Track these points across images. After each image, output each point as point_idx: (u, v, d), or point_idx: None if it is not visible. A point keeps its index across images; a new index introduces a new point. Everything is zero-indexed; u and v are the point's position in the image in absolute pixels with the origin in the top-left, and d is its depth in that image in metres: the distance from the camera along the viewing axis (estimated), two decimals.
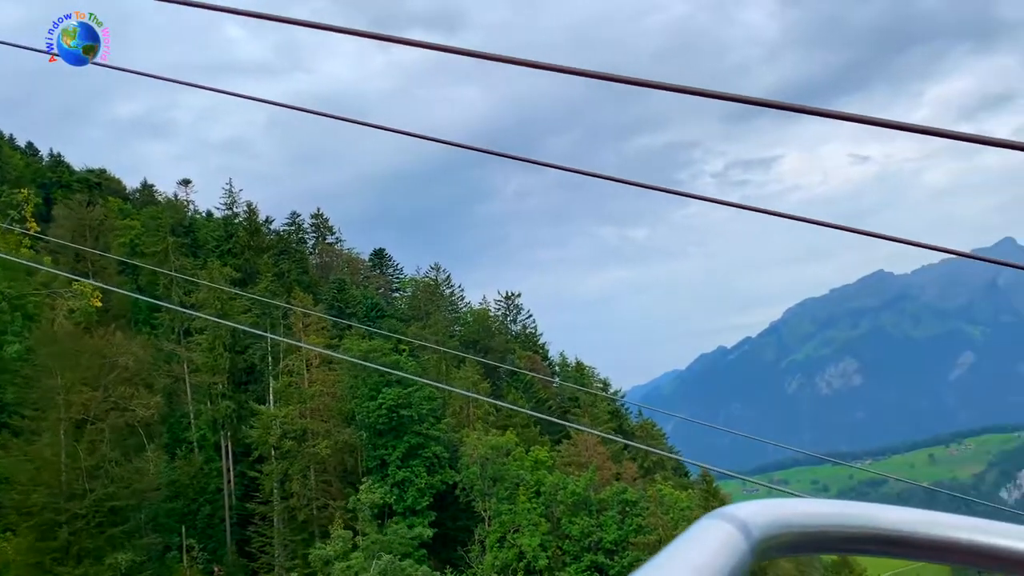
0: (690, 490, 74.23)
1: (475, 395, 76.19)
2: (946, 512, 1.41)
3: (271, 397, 79.96)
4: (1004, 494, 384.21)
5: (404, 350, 78.82)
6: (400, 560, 59.68)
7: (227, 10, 6.22)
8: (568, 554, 65.32)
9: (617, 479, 73.12)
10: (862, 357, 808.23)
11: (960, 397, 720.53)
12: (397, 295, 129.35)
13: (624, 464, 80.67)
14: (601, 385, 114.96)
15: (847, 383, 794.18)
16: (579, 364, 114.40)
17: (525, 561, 64.65)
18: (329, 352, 70.02)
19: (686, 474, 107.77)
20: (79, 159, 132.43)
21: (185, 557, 69.43)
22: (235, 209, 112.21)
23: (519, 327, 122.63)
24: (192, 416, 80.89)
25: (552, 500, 67.03)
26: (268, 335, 76.21)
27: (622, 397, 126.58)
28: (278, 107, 7.47)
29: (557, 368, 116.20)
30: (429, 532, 67.20)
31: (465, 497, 72.02)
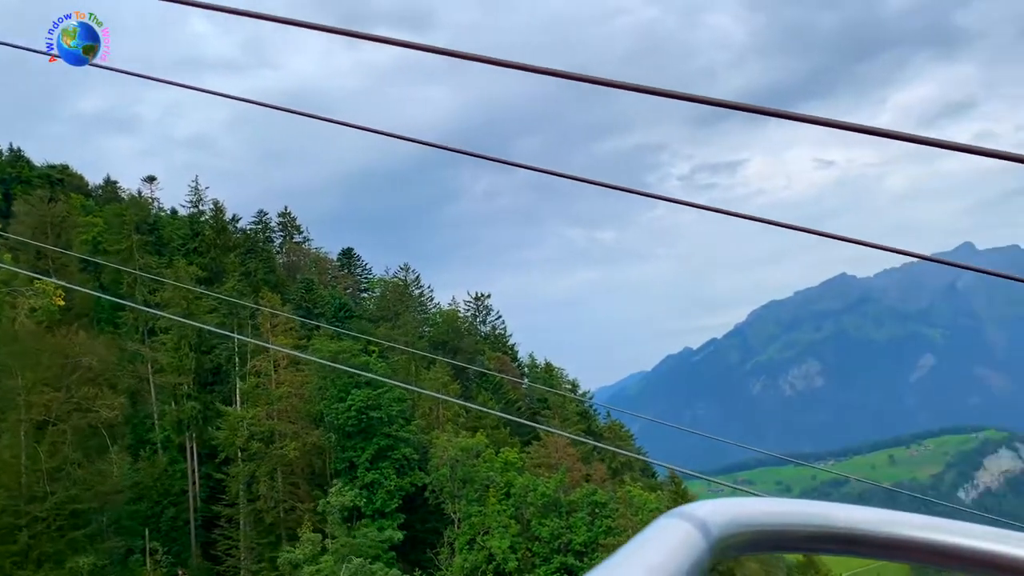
0: (659, 491, 74.64)
1: (445, 397, 75.87)
2: (904, 511, 1.42)
3: (238, 398, 78.96)
4: (962, 494, 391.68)
5: (374, 351, 78.27)
6: (370, 563, 59.18)
7: (198, 4, 6.02)
8: (538, 556, 65.25)
9: (587, 480, 73.26)
10: (825, 359, 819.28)
11: (920, 399, 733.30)
12: (365, 295, 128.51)
13: (594, 465, 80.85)
14: (570, 386, 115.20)
15: (810, 385, 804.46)
16: (548, 365, 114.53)
17: (495, 563, 64.50)
18: (298, 353, 69.35)
19: (653, 475, 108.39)
20: (40, 154, 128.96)
21: (148, 560, 68.32)
22: (201, 207, 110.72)
23: (488, 328, 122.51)
24: (156, 417, 79.61)
25: (522, 502, 66.94)
26: (235, 335, 75.26)
27: (590, 398, 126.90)
28: (278, 110, 7.25)
29: (526, 369, 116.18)
30: (399, 535, 66.75)
31: (434, 499, 71.70)
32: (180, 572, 70.20)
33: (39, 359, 62.89)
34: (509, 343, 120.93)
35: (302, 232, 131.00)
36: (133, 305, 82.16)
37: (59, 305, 76.91)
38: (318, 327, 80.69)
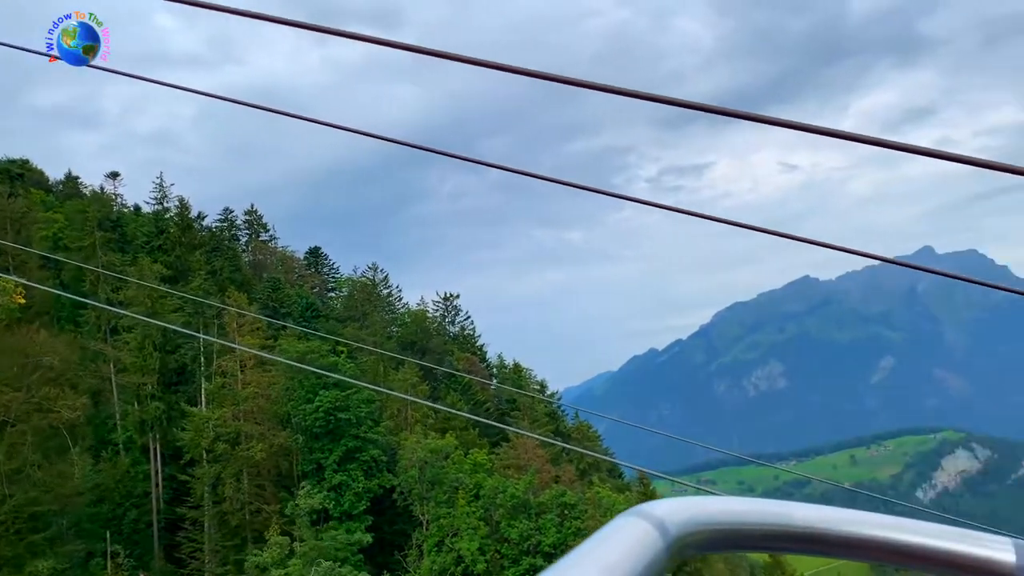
0: (627, 492, 74.86)
1: (414, 398, 75.46)
2: (863, 511, 1.42)
3: (203, 399, 77.85)
4: (920, 494, 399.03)
5: (342, 352, 77.60)
6: (340, 567, 58.63)
7: None
8: (507, 558, 65.09)
9: (556, 482, 73.25)
10: (787, 360, 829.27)
11: (880, 400, 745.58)
12: (333, 295, 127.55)
13: (563, 467, 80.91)
14: (538, 387, 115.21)
15: (773, 385, 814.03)
16: (517, 366, 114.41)
17: (463, 565, 64.23)
18: (265, 354, 68.59)
19: (620, 475, 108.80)
20: None
21: (110, 564, 67.08)
22: (166, 204, 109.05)
23: (457, 329, 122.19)
24: (118, 418, 78.18)
25: (491, 503, 66.74)
26: (201, 335, 74.19)
27: (558, 399, 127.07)
28: (276, 114, 7.03)
29: (495, 370, 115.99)
30: (368, 537, 66.25)
31: (403, 501, 71.25)
32: (142, 575, 69.05)
33: None
34: (478, 344, 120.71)
35: (268, 230, 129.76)
36: (96, 304, 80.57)
37: (19, 303, 75.16)
38: (284, 327, 79.84)
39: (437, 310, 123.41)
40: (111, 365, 79.02)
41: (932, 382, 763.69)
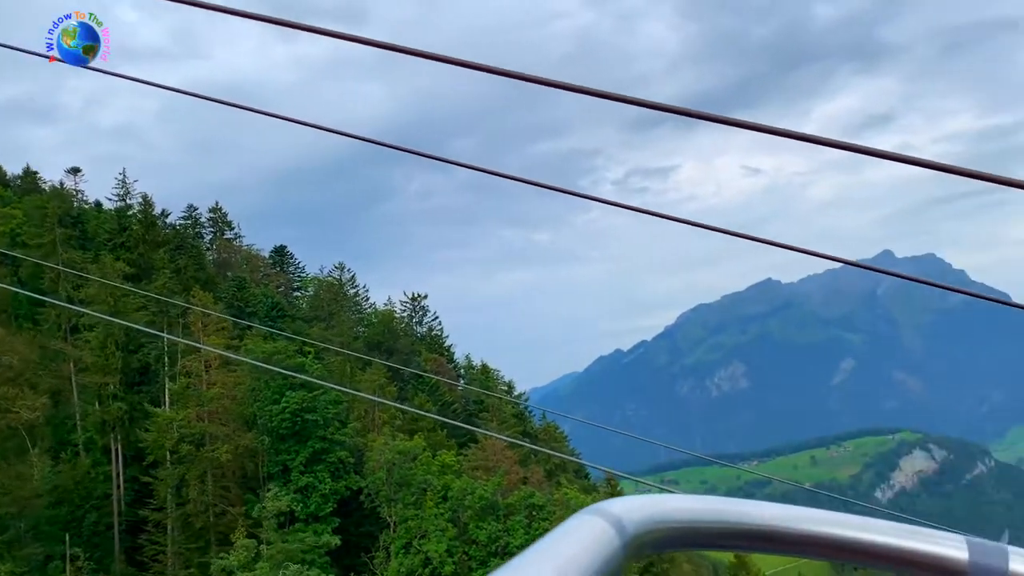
0: (595, 493, 75.10)
1: (381, 400, 74.97)
2: (820, 509, 1.45)
3: (167, 399, 76.66)
4: (879, 494, 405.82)
5: (309, 352, 76.92)
6: (308, 569, 58.08)
7: None
8: (475, 559, 65.00)
9: (524, 483, 73.28)
10: (750, 361, 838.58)
11: (841, 401, 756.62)
12: (298, 294, 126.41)
13: (531, 468, 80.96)
14: (506, 388, 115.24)
15: (735, 386, 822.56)
16: (484, 367, 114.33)
17: (431, 567, 64.02)
18: (231, 354, 67.67)
19: (587, 476, 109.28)
20: None
21: (69, 567, 65.77)
22: (129, 200, 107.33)
23: (425, 329, 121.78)
24: (78, 418, 76.69)
25: (459, 505, 66.59)
26: (165, 335, 73.02)
27: (526, 400, 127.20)
28: (272, 117, 6.89)
29: (463, 371, 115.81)
30: (337, 540, 65.75)
31: (370, 503, 70.84)
32: None
33: None
34: (445, 344, 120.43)
35: (233, 228, 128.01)
36: (56, 302, 78.89)
37: None
38: (250, 327, 78.92)
39: (405, 310, 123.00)
40: (71, 364, 77.47)
41: (891, 384, 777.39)
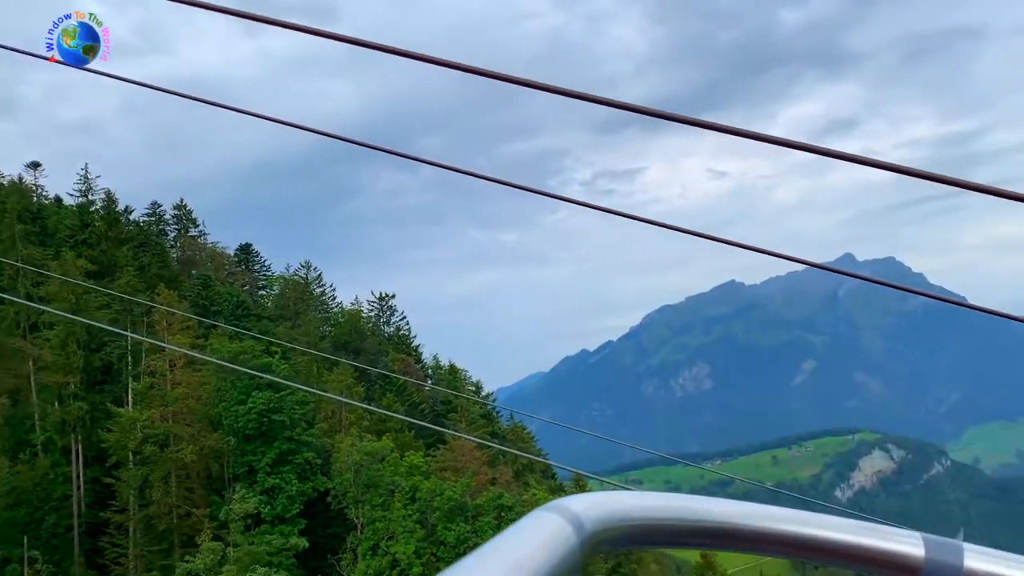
0: (562, 493, 75.11)
1: (348, 400, 74.47)
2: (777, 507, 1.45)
3: (130, 399, 75.44)
4: (839, 493, 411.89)
5: (276, 352, 76.16)
6: (275, 572, 57.45)
7: None
8: (443, 561, 64.72)
9: (492, 484, 73.24)
10: (713, 362, 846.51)
11: (802, 402, 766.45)
12: (264, 293, 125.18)
13: (500, 469, 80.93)
14: (473, 388, 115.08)
15: (699, 387, 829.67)
16: (452, 367, 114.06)
17: (399, 569, 63.67)
18: (196, 354, 66.70)
19: (553, 476, 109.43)
20: None
21: (27, 570, 64.46)
22: (91, 196, 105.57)
23: (392, 329, 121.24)
24: (37, 418, 75.19)
25: (427, 506, 66.33)
26: (128, 333, 71.79)
27: (493, 400, 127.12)
28: (272, 122, 6.76)
29: (430, 371, 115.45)
30: (304, 542, 65.16)
31: (337, 504, 70.29)
32: None
33: None
34: (413, 344, 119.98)
35: (198, 225, 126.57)
36: (15, 299, 77.19)
37: None
38: (216, 326, 77.96)
39: (372, 310, 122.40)
40: (30, 363, 75.97)
41: (851, 385, 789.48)
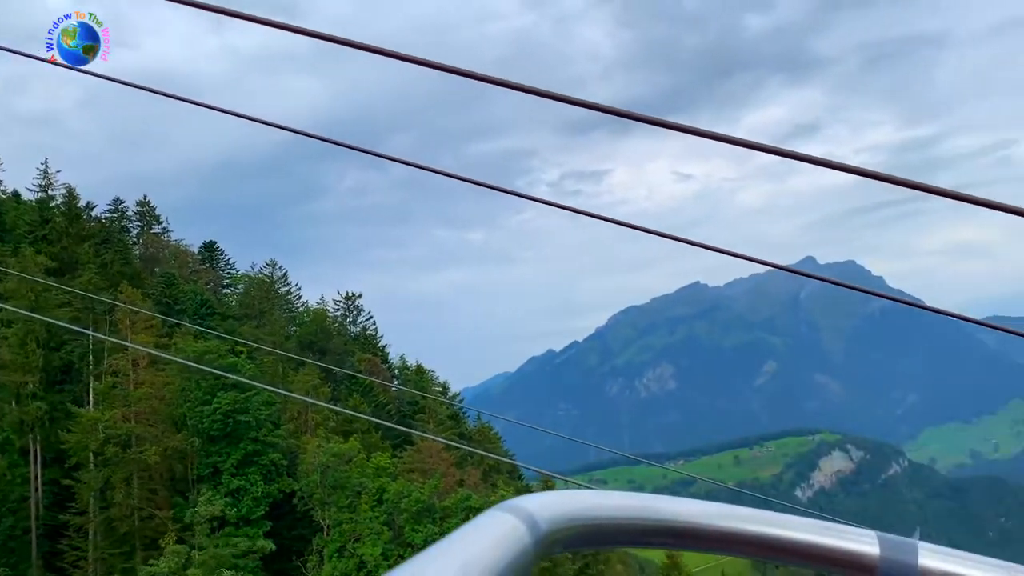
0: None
1: (314, 401, 73.87)
2: (734, 505, 1.45)
3: (92, 399, 74.05)
4: (799, 493, 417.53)
5: (241, 352, 75.28)
6: (240, 575, 56.75)
7: None
8: None
9: (460, 485, 73.12)
10: (677, 363, 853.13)
11: (763, 402, 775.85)
12: (228, 291, 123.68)
13: (468, 470, 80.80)
14: (440, 389, 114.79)
15: (663, 387, 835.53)
16: (419, 367, 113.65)
17: (366, 571, 63.32)
18: (160, 353, 65.68)
19: (520, 477, 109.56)
20: None
21: None
22: (51, 192, 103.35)
23: (359, 328, 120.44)
24: None
25: (395, 508, 66.03)
26: (90, 332, 70.47)
27: (460, 401, 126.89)
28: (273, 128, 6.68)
29: (397, 371, 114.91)
30: (271, 545, 64.50)
31: (303, 506, 69.69)
32: None
33: None
34: (380, 344, 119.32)
35: (161, 222, 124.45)
36: None
37: None
38: (180, 324, 76.86)
39: (338, 309, 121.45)
40: None
41: (812, 386, 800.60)
